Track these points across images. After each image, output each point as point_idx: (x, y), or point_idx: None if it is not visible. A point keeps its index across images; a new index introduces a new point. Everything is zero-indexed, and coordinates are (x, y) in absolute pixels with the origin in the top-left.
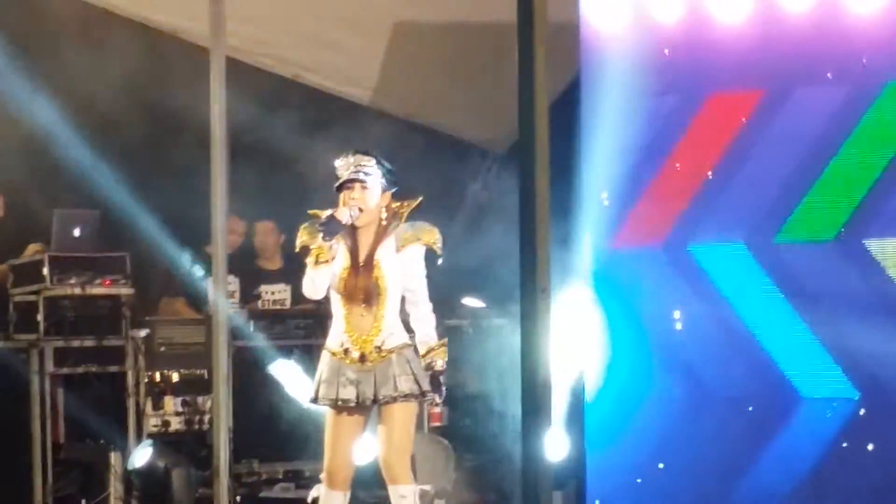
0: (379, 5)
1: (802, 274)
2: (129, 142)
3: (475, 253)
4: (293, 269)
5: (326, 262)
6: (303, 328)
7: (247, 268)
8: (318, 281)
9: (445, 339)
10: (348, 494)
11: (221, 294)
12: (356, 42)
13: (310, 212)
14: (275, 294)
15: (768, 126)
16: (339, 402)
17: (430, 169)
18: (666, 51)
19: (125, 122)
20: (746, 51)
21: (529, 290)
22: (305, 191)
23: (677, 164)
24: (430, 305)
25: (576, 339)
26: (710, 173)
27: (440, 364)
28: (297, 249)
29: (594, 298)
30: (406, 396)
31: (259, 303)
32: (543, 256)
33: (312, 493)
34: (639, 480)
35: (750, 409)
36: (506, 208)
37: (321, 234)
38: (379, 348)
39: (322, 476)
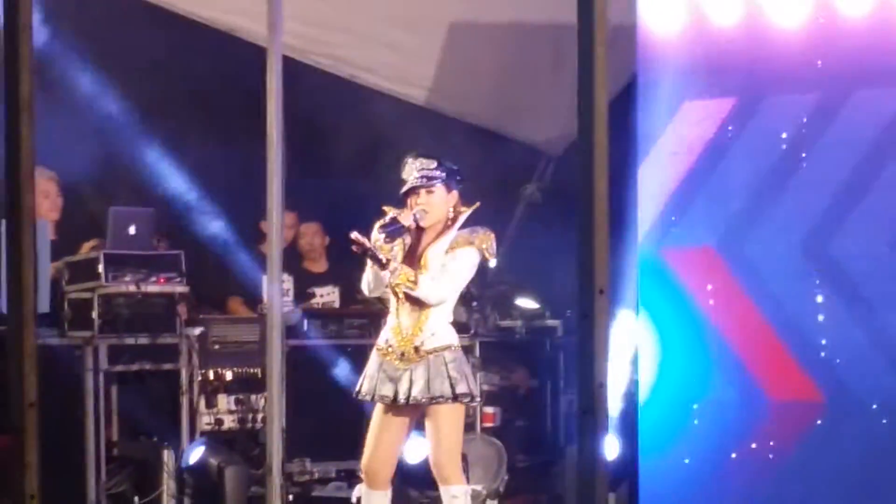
0: (435, 5)
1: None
2: (189, 140)
3: (529, 254)
4: (340, 271)
5: (382, 264)
6: (357, 328)
7: (295, 269)
8: (375, 280)
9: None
10: (389, 493)
11: (276, 292)
12: (412, 42)
13: (384, 207)
14: (324, 296)
15: (824, 130)
16: (377, 398)
17: (486, 170)
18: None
19: (183, 120)
20: (803, 54)
21: (587, 290)
22: (352, 193)
23: (733, 167)
24: (448, 286)
25: (630, 341)
26: (764, 176)
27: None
28: (368, 247)
29: (647, 300)
30: (437, 398)
31: (313, 303)
32: (602, 257)
33: (355, 494)
34: (691, 483)
35: (808, 413)
36: (560, 210)
37: (383, 236)
38: (417, 348)
39: (361, 475)
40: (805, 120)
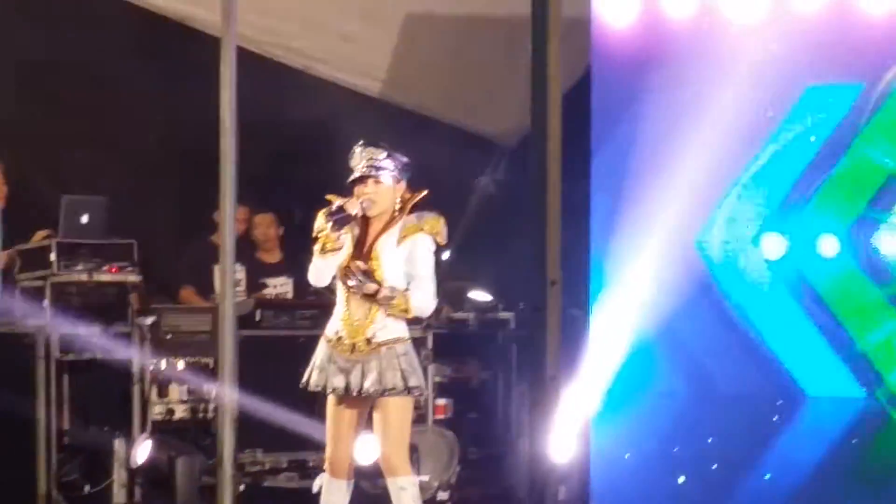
0: None
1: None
2: (140, 129)
3: (483, 246)
4: (294, 262)
5: (333, 251)
6: (309, 318)
7: (248, 259)
8: (324, 269)
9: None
10: (352, 483)
11: (228, 283)
12: (367, 33)
13: (327, 196)
14: (277, 287)
15: (779, 124)
16: (329, 390)
17: (440, 161)
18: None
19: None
20: (755, 47)
21: (539, 282)
22: (307, 183)
23: (686, 160)
24: (432, 293)
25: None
26: (718, 169)
27: (395, 295)
28: (315, 234)
29: (601, 293)
30: (390, 391)
31: (266, 293)
32: (554, 249)
33: (316, 483)
34: (643, 475)
35: (754, 406)
36: (514, 202)
37: (329, 224)
38: (369, 340)
39: (325, 466)
40: (760, 112)
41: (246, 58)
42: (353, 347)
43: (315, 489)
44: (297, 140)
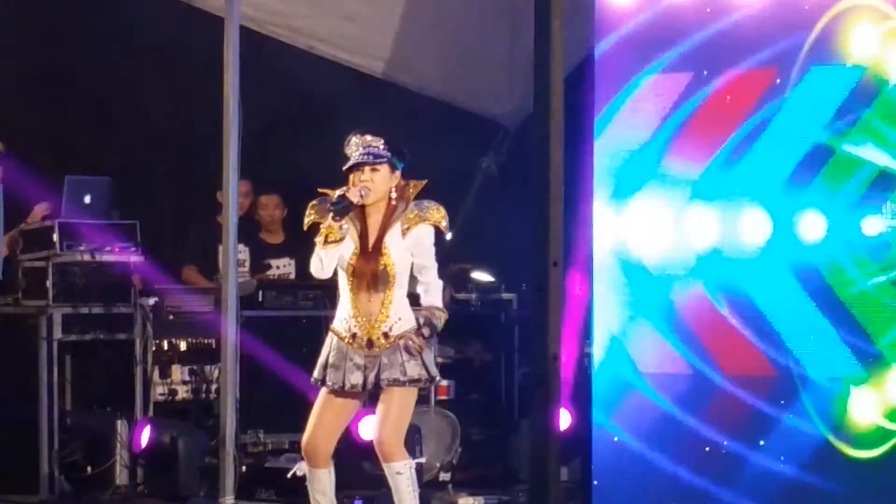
0: None
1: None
2: (142, 108)
3: (485, 227)
4: (297, 243)
5: (336, 242)
6: (311, 299)
7: (251, 240)
8: (327, 261)
9: (446, 316)
10: (332, 469)
11: (231, 263)
12: (370, 13)
13: (320, 190)
14: (280, 268)
15: (782, 104)
16: (348, 388)
17: (442, 142)
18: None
19: (141, 89)
20: (760, 28)
21: (542, 263)
22: (310, 165)
23: (689, 141)
24: (440, 282)
25: (583, 314)
26: (721, 151)
27: (436, 322)
28: (306, 227)
29: (602, 273)
30: (414, 382)
31: (269, 274)
32: (556, 230)
33: (297, 471)
34: (646, 455)
35: (755, 388)
36: (516, 182)
37: (331, 214)
38: (386, 334)
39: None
40: (762, 94)
41: (250, 38)
42: (370, 343)
43: (290, 475)
44: (301, 120)
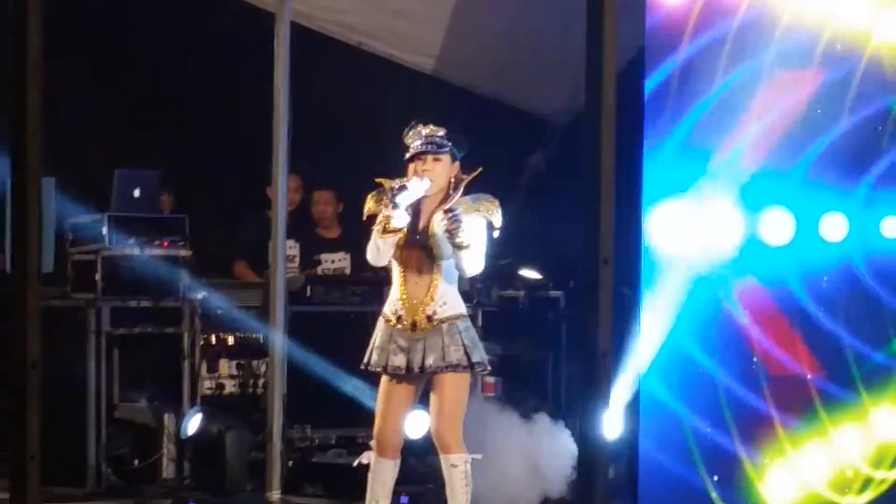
0: None
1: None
2: (192, 105)
3: (533, 224)
4: (352, 237)
5: (395, 231)
6: (359, 295)
7: (306, 235)
8: (384, 249)
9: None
10: (398, 462)
11: (279, 258)
12: (420, 10)
13: (377, 179)
14: (335, 262)
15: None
16: (390, 370)
17: (491, 139)
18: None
19: (190, 84)
20: (810, 27)
21: (592, 260)
22: (362, 160)
23: (741, 140)
24: (482, 258)
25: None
26: (774, 150)
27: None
28: (365, 217)
29: (650, 274)
30: (454, 367)
31: (319, 269)
32: (607, 227)
33: (362, 459)
34: (691, 455)
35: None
36: (565, 180)
37: (392, 204)
38: (430, 317)
39: (372, 443)
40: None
41: (300, 33)
42: (413, 326)
43: (356, 463)
44: (350, 116)
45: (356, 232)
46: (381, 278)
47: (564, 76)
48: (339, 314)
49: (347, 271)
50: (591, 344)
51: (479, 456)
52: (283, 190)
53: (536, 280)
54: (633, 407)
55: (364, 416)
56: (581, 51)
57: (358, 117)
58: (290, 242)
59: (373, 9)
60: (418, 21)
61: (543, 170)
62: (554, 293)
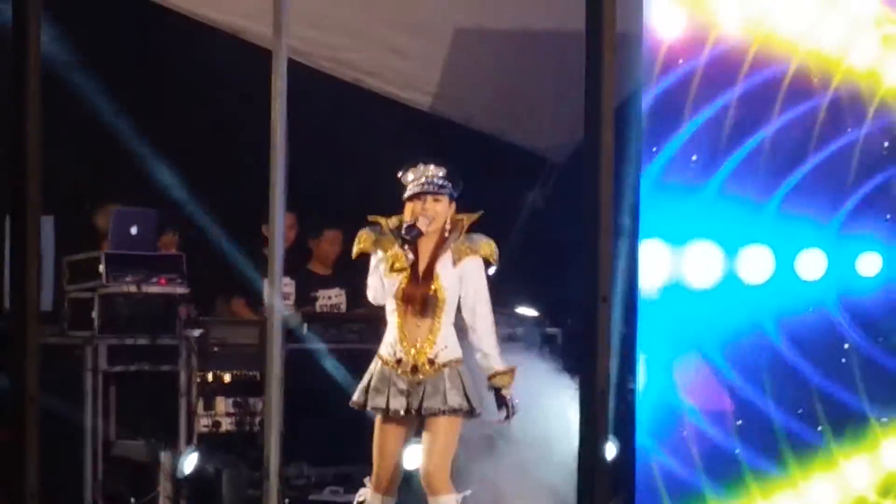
0: (441, 10)
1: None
2: (189, 141)
3: (530, 261)
4: (347, 273)
5: (401, 270)
6: (357, 332)
7: (297, 271)
8: (389, 287)
9: (514, 368)
10: (395, 500)
11: (276, 296)
12: (417, 47)
13: (370, 218)
14: (331, 298)
15: (834, 138)
16: (391, 413)
17: (488, 176)
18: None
19: (185, 122)
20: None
21: (591, 298)
22: (360, 197)
23: (739, 176)
24: (491, 318)
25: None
26: (770, 186)
27: (506, 392)
28: (355, 256)
29: (647, 307)
30: (455, 411)
31: (316, 306)
32: (606, 265)
33: (357, 498)
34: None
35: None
36: (561, 217)
37: (399, 242)
38: (432, 361)
39: (368, 480)
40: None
41: (297, 70)
42: (414, 369)
43: (355, 502)
44: (347, 153)
45: (350, 268)
46: (378, 316)
47: (561, 112)
48: (336, 351)
49: (343, 307)
50: (590, 382)
51: (468, 492)
52: (279, 228)
53: (533, 317)
54: (630, 441)
55: (361, 454)
56: (578, 87)
57: (353, 154)
58: (286, 280)
59: (369, 46)
60: (415, 58)
61: (540, 206)
62: (551, 330)
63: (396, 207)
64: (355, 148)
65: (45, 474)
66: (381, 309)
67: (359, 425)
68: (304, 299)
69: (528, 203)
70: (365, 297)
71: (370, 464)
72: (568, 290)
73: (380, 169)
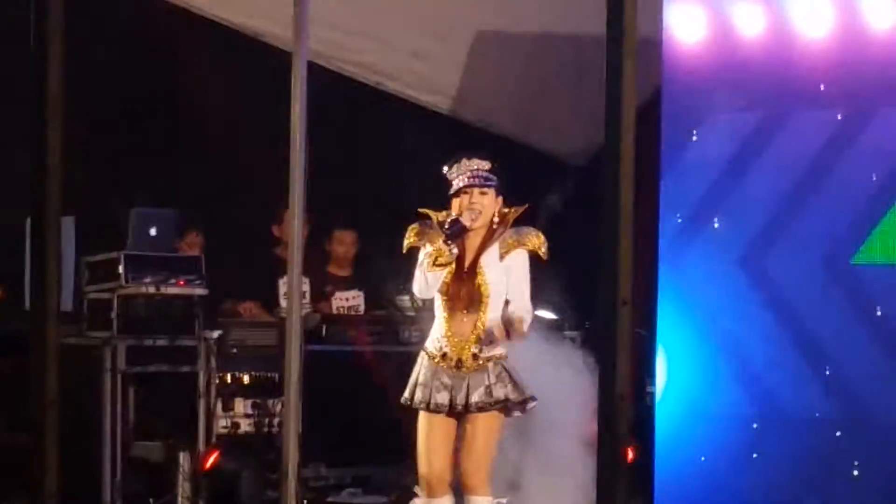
0: (462, 14)
1: (878, 296)
2: (206, 144)
3: (548, 265)
4: (365, 275)
5: (445, 265)
6: (374, 334)
7: (318, 272)
8: (432, 282)
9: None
10: (452, 498)
11: (295, 297)
12: (438, 50)
13: (420, 211)
14: (349, 300)
15: (849, 146)
16: (433, 407)
17: (509, 179)
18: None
19: (203, 125)
20: (829, 68)
21: (610, 302)
22: (379, 199)
23: (757, 182)
24: (530, 309)
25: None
26: (788, 192)
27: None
28: (405, 250)
29: (667, 312)
30: (500, 403)
31: (333, 307)
32: (626, 269)
33: None
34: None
35: (823, 430)
36: (580, 221)
37: (443, 237)
38: (476, 355)
39: (418, 488)
40: (829, 135)
41: (317, 73)
42: (459, 363)
43: None
44: (366, 156)
45: (368, 269)
46: (395, 317)
47: (581, 116)
48: (354, 353)
49: (361, 309)
50: (609, 386)
51: (504, 500)
52: (299, 227)
53: (552, 321)
54: (649, 445)
55: (379, 455)
56: (598, 91)
57: (374, 157)
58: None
59: (390, 49)
60: (435, 61)
61: (560, 210)
62: (569, 334)
63: (430, 206)
64: (374, 150)
65: (64, 474)
66: (398, 310)
67: (377, 427)
68: (318, 298)
69: (547, 207)
70: (382, 298)
71: (390, 465)
72: (587, 293)
73: (399, 171)
